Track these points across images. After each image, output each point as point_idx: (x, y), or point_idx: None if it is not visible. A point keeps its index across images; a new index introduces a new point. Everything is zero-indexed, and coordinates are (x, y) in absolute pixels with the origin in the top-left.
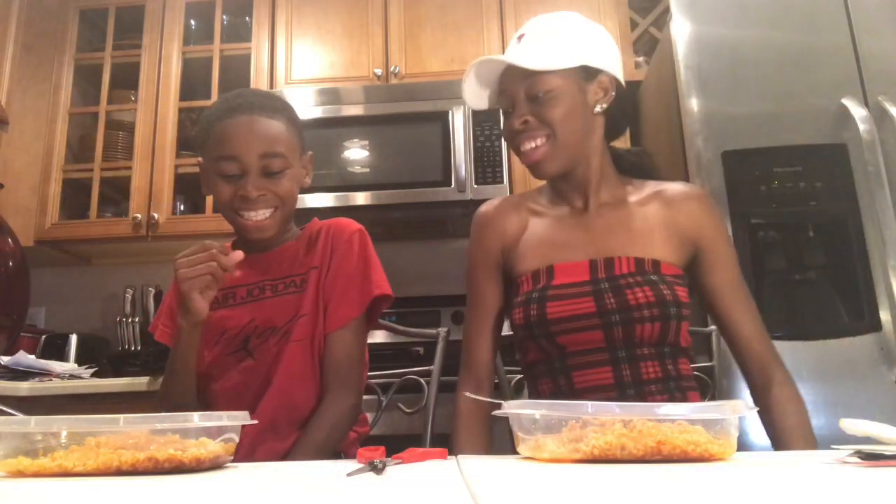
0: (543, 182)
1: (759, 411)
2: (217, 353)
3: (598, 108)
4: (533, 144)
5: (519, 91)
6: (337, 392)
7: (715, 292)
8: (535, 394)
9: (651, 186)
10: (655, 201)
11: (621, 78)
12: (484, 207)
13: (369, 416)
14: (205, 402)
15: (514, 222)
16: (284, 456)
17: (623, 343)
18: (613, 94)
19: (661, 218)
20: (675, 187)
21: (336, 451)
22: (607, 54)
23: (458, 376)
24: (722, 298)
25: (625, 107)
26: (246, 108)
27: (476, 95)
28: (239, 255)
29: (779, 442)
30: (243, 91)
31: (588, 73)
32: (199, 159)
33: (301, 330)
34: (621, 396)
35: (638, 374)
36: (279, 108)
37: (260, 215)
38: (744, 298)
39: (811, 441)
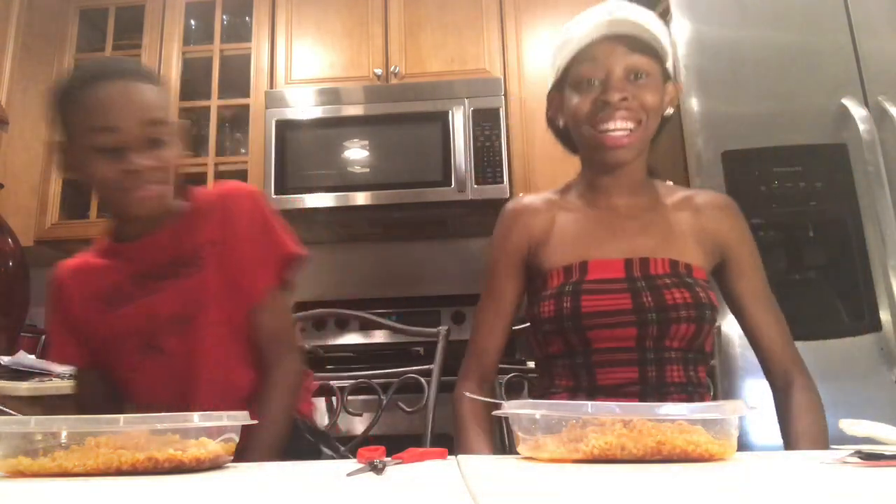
0: (571, 179)
1: (777, 415)
2: (126, 353)
3: (666, 112)
4: (624, 126)
5: (616, 66)
6: (284, 359)
7: (741, 299)
8: (550, 387)
9: (680, 192)
10: (686, 208)
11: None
12: (511, 203)
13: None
14: (129, 401)
15: (543, 218)
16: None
17: (654, 343)
18: (677, 104)
19: (691, 224)
20: (704, 195)
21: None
22: (677, 69)
23: (463, 365)
24: (748, 305)
25: (664, 124)
26: (119, 74)
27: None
28: None
29: (788, 444)
30: (104, 58)
31: (667, 76)
32: (51, 141)
33: (214, 313)
34: (644, 396)
35: (662, 377)
36: (152, 73)
37: (152, 189)
38: (769, 306)
39: (820, 445)
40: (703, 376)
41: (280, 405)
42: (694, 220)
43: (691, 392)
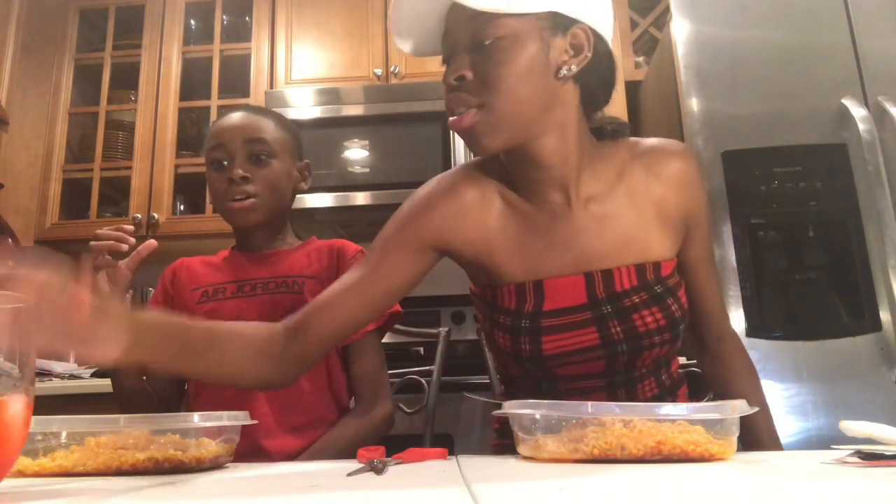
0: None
1: (711, 376)
2: None
3: (562, 72)
4: (464, 109)
5: (463, 35)
6: (375, 399)
7: (691, 267)
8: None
9: (625, 149)
10: (637, 169)
11: (606, 34)
12: (449, 182)
13: None
14: (192, 394)
15: (486, 214)
16: (299, 450)
17: (624, 367)
18: (589, 55)
19: (649, 197)
20: (654, 149)
21: None
22: (591, 1)
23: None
24: (696, 272)
25: (605, 74)
26: (237, 111)
27: (406, 34)
28: (152, 243)
29: (728, 394)
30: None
31: (557, 23)
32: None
33: None
34: None
35: (633, 397)
36: (268, 112)
37: (245, 199)
38: (713, 272)
39: (760, 403)
40: (676, 370)
41: (352, 434)
42: (650, 189)
43: (664, 397)
